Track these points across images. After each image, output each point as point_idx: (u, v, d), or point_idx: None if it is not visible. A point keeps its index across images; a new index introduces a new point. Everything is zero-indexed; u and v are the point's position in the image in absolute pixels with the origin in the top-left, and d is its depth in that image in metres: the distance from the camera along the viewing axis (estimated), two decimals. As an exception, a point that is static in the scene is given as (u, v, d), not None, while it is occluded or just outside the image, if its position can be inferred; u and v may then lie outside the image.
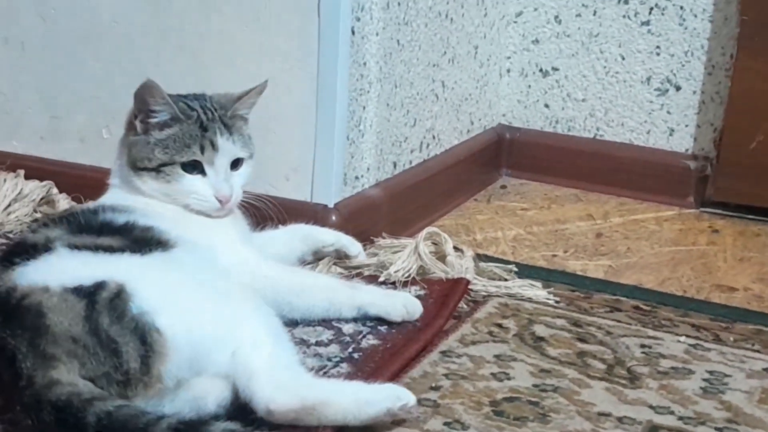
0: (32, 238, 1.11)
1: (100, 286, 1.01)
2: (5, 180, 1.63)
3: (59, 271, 1.03)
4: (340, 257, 1.42)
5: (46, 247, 1.08)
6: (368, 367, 1.16)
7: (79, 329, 0.98)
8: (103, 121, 1.64)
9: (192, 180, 1.23)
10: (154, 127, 1.23)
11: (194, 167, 1.23)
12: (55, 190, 1.63)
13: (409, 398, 1.03)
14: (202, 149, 1.22)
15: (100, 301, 1.00)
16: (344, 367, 1.16)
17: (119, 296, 1.00)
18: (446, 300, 1.33)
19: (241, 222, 1.32)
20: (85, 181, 1.63)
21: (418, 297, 1.34)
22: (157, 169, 1.22)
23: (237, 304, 1.07)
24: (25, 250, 1.08)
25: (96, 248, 1.08)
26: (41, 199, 1.61)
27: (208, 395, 1.02)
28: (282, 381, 1.01)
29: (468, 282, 1.39)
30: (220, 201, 1.24)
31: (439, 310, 1.30)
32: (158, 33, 1.57)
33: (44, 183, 1.63)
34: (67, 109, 1.66)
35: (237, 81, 1.53)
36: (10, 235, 1.53)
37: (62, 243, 1.08)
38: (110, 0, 1.60)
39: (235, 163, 1.27)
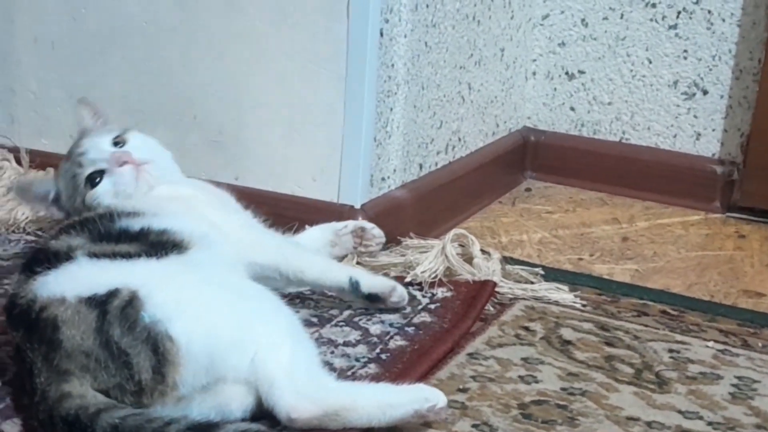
0: (54, 246, 1.11)
1: (112, 294, 1.01)
2: (35, 178, 1.64)
3: (77, 280, 1.04)
4: (359, 237, 1.43)
5: (67, 256, 1.08)
6: (396, 368, 1.16)
7: (91, 342, 0.98)
8: (131, 121, 1.64)
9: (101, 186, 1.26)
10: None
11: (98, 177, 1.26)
12: (83, 189, 1.64)
13: (438, 398, 1.02)
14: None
15: (112, 311, 1.00)
16: (372, 368, 1.16)
17: (131, 304, 1.00)
18: (473, 302, 1.33)
19: (223, 196, 1.33)
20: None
21: (445, 298, 1.35)
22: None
23: (254, 305, 1.06)
24: (46, 258, 1.09)
25: (114, 255, 1.08)
26: (70, 197, 1.62)
27: (232, 402, 1.01)
28: (303, 388, 0.99)
29: (495, 284, 1.39)
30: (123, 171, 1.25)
31: (466, 312, 1.30)
32: (187, 34, 1.58)
33: (73, 181, 1.64)
34: (96, 108, 1.67)
35: (265, 81, 1.54)
36: (40, 233, 1.54)
37: (83, 252, 1.08)
38: (139, 1, 1.60)
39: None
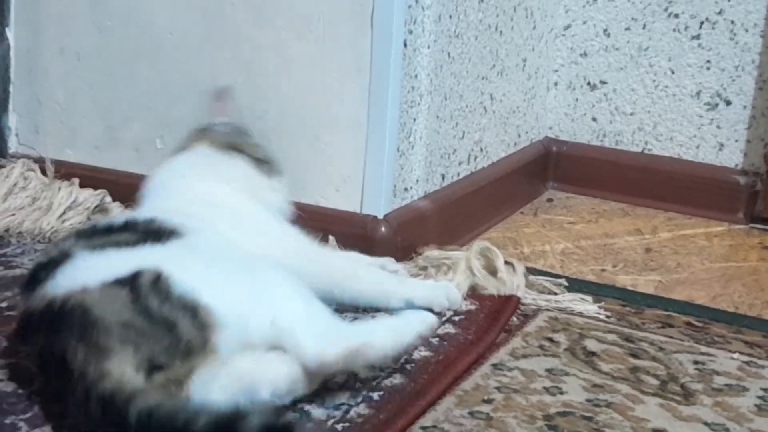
0: (47, 257, 1.11)
1: (137, 275, 1.02)
2: (60, 188, 1.65)
3: (91, 271, 1.04)
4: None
5: (65, 255, 1.08)
6: (421, 378, 1.16)
7: (129, 314, 0.99)
8: (157, 131, 1.66)
9: None
10: None
11: None
12: (108, 199, 1.65)
13: (432, 319, 1.17)
14: None
15: (143, 286, 1.01)
16: (397, 378, 1.16)
17: (159, 279, 1.02)
18: (497, 315, 1.33)
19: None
20: (138, 190, 1.66)
21: (469, 311, 1.35)
22: None
23: (262, 272, 1.10)
24: (43, 268, 1.08)
25: (117, 244, 1.09)
26: (95, 207, 1.64)
27: (261, 385, 1.02)
28: (323, 332, 1.04)
29: (519, 299, 1.39)
30: None
31: (491, 325, 1.30)
32: (213, 44, 1.59)
33: (98, 191, 1.66)
34: (122, 119, 1.69)
35: (290, 92, 1.55)
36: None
37: (79, 247, 1.09)
38: (166, 12, 1.62)
39: None
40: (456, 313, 1.35)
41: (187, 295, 1.01)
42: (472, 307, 1.36)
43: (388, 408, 1.09)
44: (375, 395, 1.12)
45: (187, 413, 0.93)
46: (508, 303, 1.37)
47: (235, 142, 1.37)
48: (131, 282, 1.01)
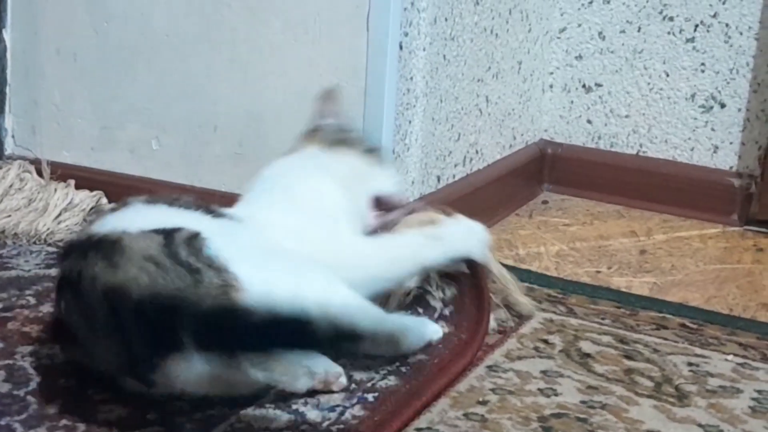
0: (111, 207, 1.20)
1: (176, 229, 1.05)
2: (56, 189, 1.66)
3: (136, 219, 1.08)
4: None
5: (123, 204, 1.15)
6: (416, 380, 1.17)
7: (156, 251, 1.02)
8: (153, 133, 1.66)
9: None
10: None
11: None
12: (104, 200, 1.66)
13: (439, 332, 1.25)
14: None
15: (177, 238, 1.04)
16: (392, 380, 1.17)
17: (195, 238, 1.04)
18: (481, 304, 1.31)
19: None
20: (134, 192, 1.64)
21: (454, 297, 1.33)
22: None
23: (300, 261, 1.12)
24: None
25: (172, 202, 1.14)
26: (91, 208, 1.64)
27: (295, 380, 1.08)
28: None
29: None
30: None
31: (480, 317, 1.29)
32: (209, 46, 1.60)
33: (94, 193, 1.66)
34: (117, 120, 1.69)
35: (286, 94, 1.56)
36: (60, 244, 1.55)
37: (138, 200, 1.15)
38: (162, 13, 1.62)
39: None
40: (445, 303, 1.34)
41: (217, 257, 1.03)
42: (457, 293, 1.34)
43: (383, 409, 1.09)
44: (370, 397, 1.12)
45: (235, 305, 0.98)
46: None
47: (341, 138, 1.35)
48: (169, 233, 1.05)
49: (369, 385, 1.15)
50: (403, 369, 1.20)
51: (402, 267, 1.26)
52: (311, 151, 1.33)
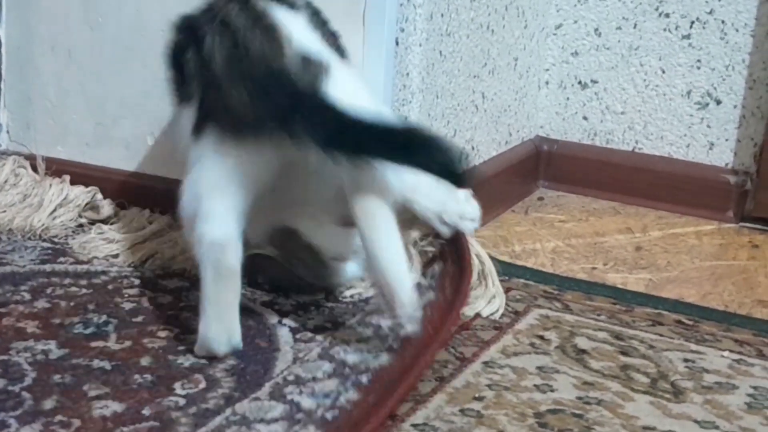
0: None
1: (317, 53, 1.19)
2: (51, 185, 1.65)
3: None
4: None
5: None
6: (407, 353, 1.17)
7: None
8: (148, 129, 1.66)
9: None
10: None
11: None
12: (99, 196, 1.65)
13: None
14: None
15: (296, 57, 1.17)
16: (384, 358, 1.18)
17: (322, 64, 1.18)
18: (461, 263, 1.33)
19: None
20: (129, 187, 1.66)
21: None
22: None
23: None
24: None
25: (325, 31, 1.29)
26: (86, 204, 1.64)
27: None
28: None
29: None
30: None
31: (461, 277, 1.30)
32: (204, 42, 1.59)
33: (89, 189, 1.66)
34: (112, 117, 1.69)
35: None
36: (55, 240, 1.55)
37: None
38: (157, 9, 1.62)
39: None
40: (431, 276, 1.34)
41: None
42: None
43: (377, 388, 1.09)
44: (364, 378, 1.12)
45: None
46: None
47: None
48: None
49: (362, 367, 1.16)
50: (395, 345, 1.20)
51: None
52: None
